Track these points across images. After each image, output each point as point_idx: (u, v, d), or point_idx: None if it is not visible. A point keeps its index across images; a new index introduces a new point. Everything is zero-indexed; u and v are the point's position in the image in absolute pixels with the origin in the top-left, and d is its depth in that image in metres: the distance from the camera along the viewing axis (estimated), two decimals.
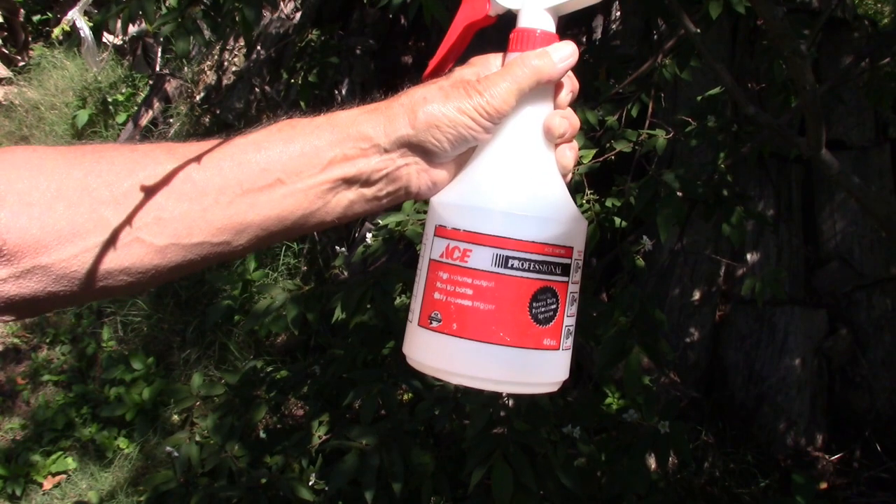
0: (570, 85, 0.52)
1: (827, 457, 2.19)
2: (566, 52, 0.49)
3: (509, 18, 0.52)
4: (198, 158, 0.48)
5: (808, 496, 1.46)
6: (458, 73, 0.52)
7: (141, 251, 0.46)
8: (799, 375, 2.23)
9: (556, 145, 0.51)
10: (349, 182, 0.50)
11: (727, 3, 1.60)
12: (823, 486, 2.11)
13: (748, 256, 2.38)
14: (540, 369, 0.48)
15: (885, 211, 1.19)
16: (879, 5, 3.20)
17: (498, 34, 0.56)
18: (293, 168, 0.48)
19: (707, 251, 2.33)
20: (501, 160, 0.49)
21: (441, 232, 0.49)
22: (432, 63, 0.54)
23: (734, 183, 1.56)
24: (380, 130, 0.49)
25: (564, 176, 0.51)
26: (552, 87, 0.51)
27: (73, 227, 0.45)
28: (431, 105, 0.48)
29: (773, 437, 2.21)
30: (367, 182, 0.50)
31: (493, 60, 0.52)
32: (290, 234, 0.50)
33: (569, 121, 0.50)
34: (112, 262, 0.46)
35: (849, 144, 2.39)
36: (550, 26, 0.50)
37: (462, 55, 0.55)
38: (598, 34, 2.53)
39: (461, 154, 0.51)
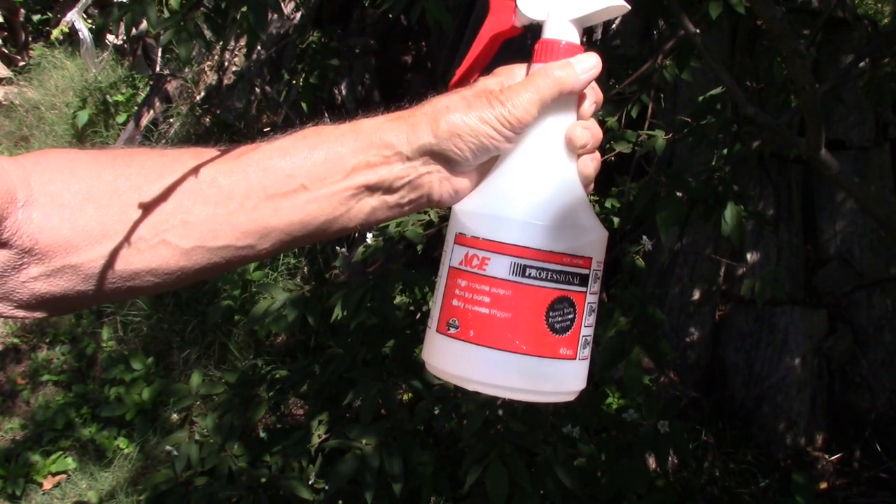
0: (594, 96, 0.52)
1: (827, 457, 2.19)
2: (589, 64, 0.50)
3: (536, 29, 0.52)
4: (221, 163, 0.48)
5: (808, 496, 1.46)
6: (481, 83, 0.52)
7: (167, 253, 0.48)
8: (799, 375, 2.23)
9: (578, 155, 0.51)
10: (372, 189, 0.50)
11: (727, 3, 1.61)
12: (823, 486, 2.11)
13: (748, 256, 2.38)
14: (556, 378, 0.48)
15: (884, 211, 1.19)
16: (879, 5, 3.20)
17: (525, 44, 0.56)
18: (317, 174, 0.49)
19: (707, 251, 2.33)
20: (523, 170, 0.50)
21: (461, 240, 0.49)
22: (458, 73, 0.54)
23: (733, 182, 1.56)
24: (402, 138, 0.49)
25: (586, 186, 0.51)
26: (575, 97, 0.51)
27: (103, 228, 0.46)
28: (454, 114, 0.49)
29: (773, 437, 2.21)
30: (389, 189, 0.51)
31: (518, 71, 0.52)
32: (312, 238, 0.51)
33: (591, 131, 0.50)
34: (139, 263, 0.47)
35: (849, 144, 2.39)
36: (575, 38, 0.50)
37: (489, 65, 0.55)
38: (598, 34, 2.53)
39: (484, 163, 0.51)
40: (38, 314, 0.48)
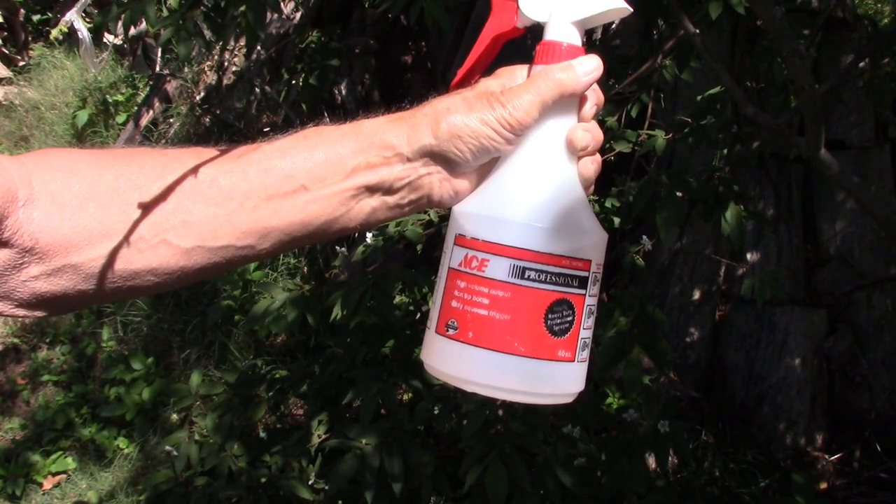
0: (595, 98, 0.52)
1: (827, 457, 2.19)
2: (591, 66, 0.50)
3: (537, 30, 0.52)
4: (222, 163, 0.49)
5: (808, 496, 1.46)
6: (482, 85, 0.52)
7: (167, 253, 0.48)
8: (799, 375, 2.23)
9: (579, 158, 0.51)
10: (372, 190, 0.50)
11: (727, 3, 1.61)
12: (823, 486, 2.11)
13: (748, 256, 2.38)
14: (554, 380, 0.48)
15: (884, 211, 1.19)
16: (879, 5, 3.20)
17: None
18: (317, 175, 0.49)
19: (707, 251, 2.33)
20: (523, 172, 0.50)
21: (460, 241, 0.49)
22: (460, 73, 0.54)
23: (733, 182, 1.56)
24: (403, 139, 0.49)
25: (586, 189, 0.51)
26: (576, 99, 0.51)
27: (103, 227, 0.46)
28: (454, 115, 0.49)
29: (773, 437, 2.21)
30: (389, 190, 0.51)
31: (519, 72, 0.52)
32: (313, 238, 0.51)
33: (592, 134, 0.50)
34: (140, 262, 0.48)
35: (849, 144, 2.39)
36: (576, 40, 0.50)
37: (490, 66, 0.55)
38: (597, 34, 2.53)
39: (484, 164, 0.51)
40: (39, 313, 0.48)
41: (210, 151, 0.50)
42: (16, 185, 0.44)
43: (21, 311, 0.47)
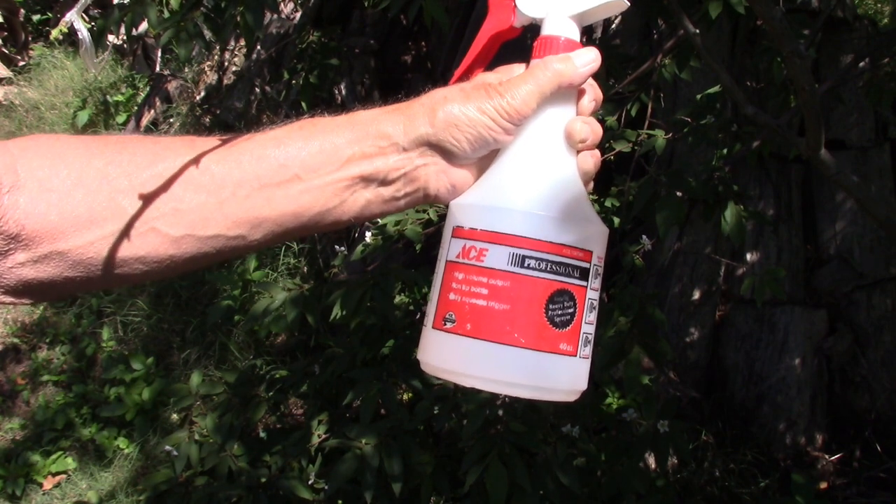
0: (593, 93, 0.52)
1: (827, 457, 2.19)
2: (588, 58, 0.49)
3: (535, 30, 0.52)
4: (215, 151, 0.48)
5: (808, 496, 1.46)
6: (480, 78, 0.52)
7: (157, 241, 0.47)
8: (799, 375, 2.23)
9: (578, 151, 0.50)
10: (367, 180, 0.50)
11: (727, 3, 1.60)
12: (823, 486, 2.11)
13: (748, 256, 2.38)
14: (556, 374, 0.47)
15: (884, 211, 1.19)
16: (879, 5, 3.20)
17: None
18: (311, 164, 0.49)
19: (707, 251, 2.33)
20: (522, 162, 0.49)
21: (458, 233, 0.48)
22: (458, 72, 0.54)
23: (733, 182, 1.56)
24: (399, 129, 0.49)
25: (586, 183, 0.51)
26: (574, 92, 0.51)
27: (91, 214, 0.45)
28: (451, 105, 0.49)
29: (772, 437, 2.21)
30: (384, 181, 0.50)
31: (517, 69, 0.52)
32: (305, 230, 0.50)
33: (591, 126, 0.50)
34: (128, 250, 0.47)
35: (849, 144, 2.39)
36: (574, 34, 0.50)
37: (488, 66, 0.55)
38: (597, 33, 2.53)
39: (482, 160, 0.51)
40: (25, 300, 0.47)
41: (203, 140, 0.50)
42: (0, 172, 0.44)
43: (8, 298, 0.46)
